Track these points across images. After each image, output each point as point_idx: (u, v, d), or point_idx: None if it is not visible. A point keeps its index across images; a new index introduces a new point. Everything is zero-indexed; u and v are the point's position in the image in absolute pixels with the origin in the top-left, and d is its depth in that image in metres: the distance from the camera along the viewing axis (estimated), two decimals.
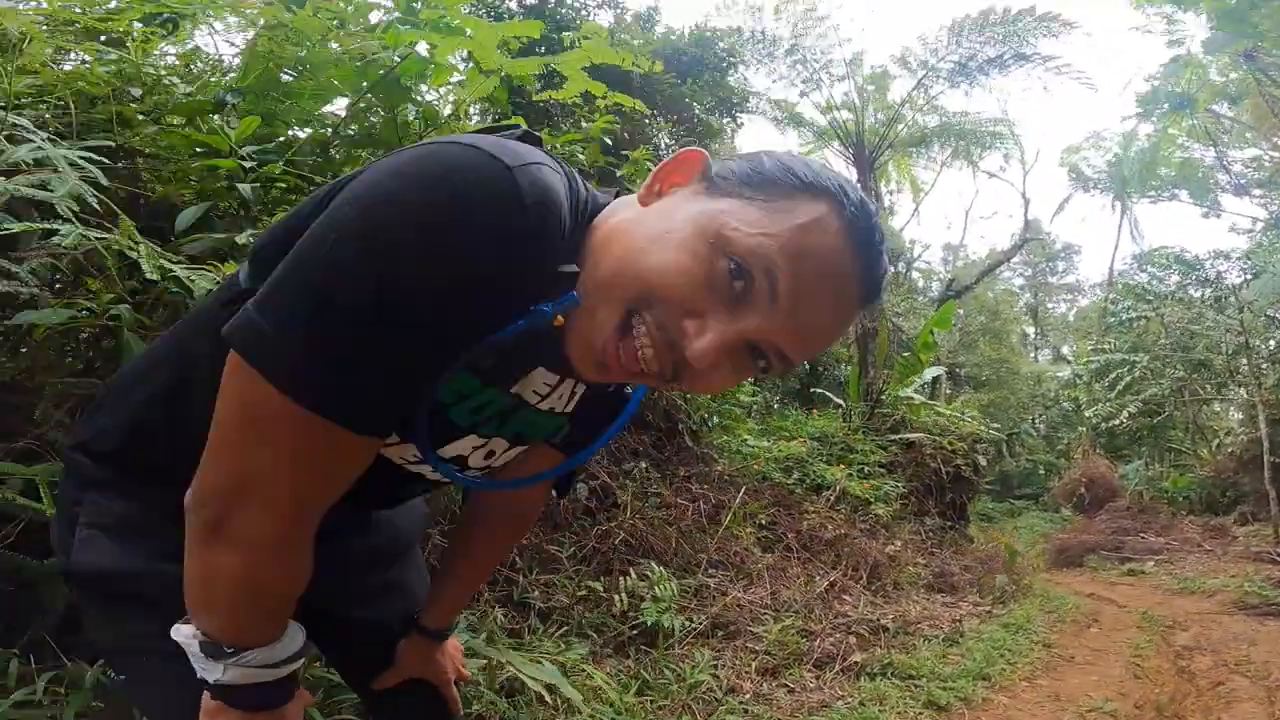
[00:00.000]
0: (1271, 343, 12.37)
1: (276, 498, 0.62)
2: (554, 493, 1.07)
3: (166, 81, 1.79)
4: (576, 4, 8.02)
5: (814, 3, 10.17)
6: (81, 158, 1.42)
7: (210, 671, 0.69)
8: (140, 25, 1.82)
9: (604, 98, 2.35)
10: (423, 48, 2.03)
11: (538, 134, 0.74)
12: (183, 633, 0.69)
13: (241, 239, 1.60)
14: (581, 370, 0.68)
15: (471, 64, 2.24)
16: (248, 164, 1.73)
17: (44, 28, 1.75)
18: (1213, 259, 12.27)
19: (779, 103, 11.35)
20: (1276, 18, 8.89)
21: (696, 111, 7.64)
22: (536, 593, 2.90)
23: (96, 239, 1.32)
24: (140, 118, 1.82)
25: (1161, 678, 3.95)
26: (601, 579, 3.20)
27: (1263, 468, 9.77)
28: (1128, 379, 13.31)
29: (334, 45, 1.93)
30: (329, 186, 0.67)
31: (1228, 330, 11.64)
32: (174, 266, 1.41)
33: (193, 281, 1.42)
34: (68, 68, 1.80)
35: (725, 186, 0.65)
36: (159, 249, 1.48)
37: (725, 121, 8.23)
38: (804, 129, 11.83)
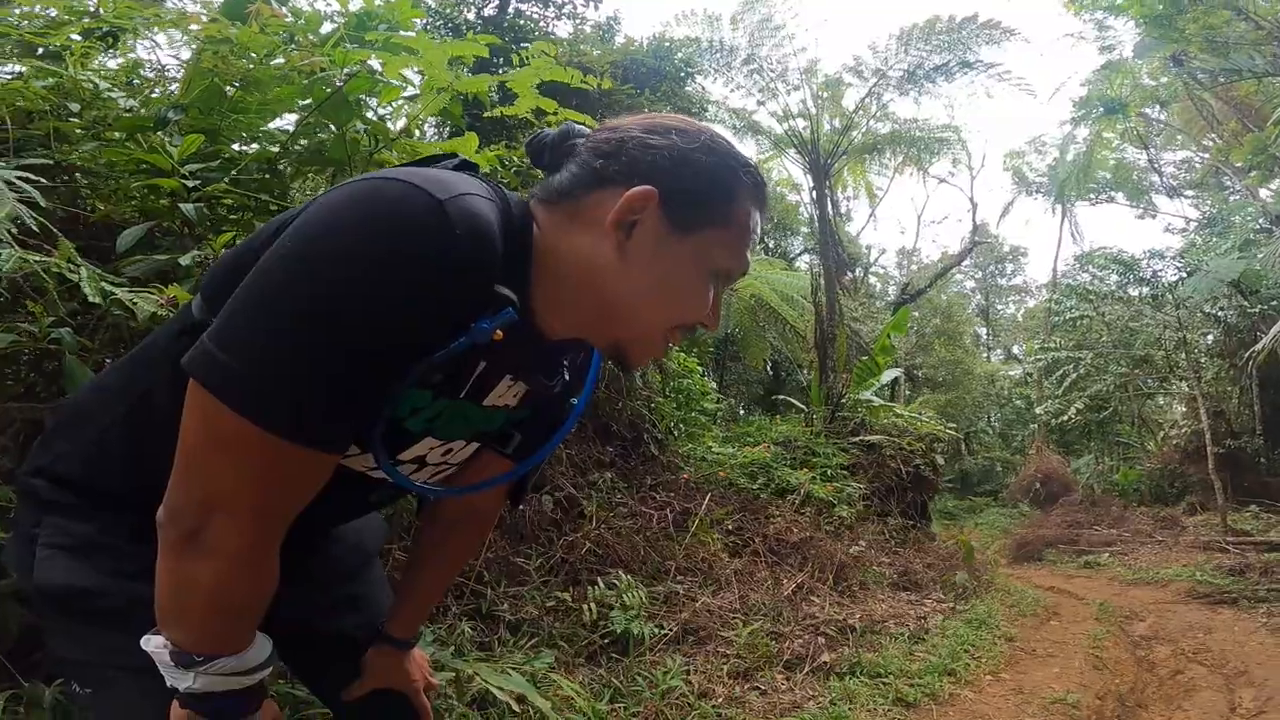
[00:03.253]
0: (1209, 338, 12.94)
1: (243, 512, 0.66)
2: (510, 503, 1.09)
3: (106, 96, 1.74)
4: (535, 15, 8.04)
5: (769, 13, 10.34)
6: (19, 177, 1.38)
7: (180, 679, 0.71)
8: (78, 39, 1.77)
9: (554, 113, 2.37)
10: (375, 62, 2.02)
11: (474, 162, 0.82)
12: (153, 643, 0.71)
13: (185, 260, 1.56)
14: (637, 366, 0.83)
15: (424, 79, 2.24)
16: (190, 183, 1.68)
17: None
18: (1149, 258, 12.81)
19: (737, 111, 11.52)
20: (1201, 22, 9.30)
21: None
22: (505, 605, 2.88)
23: (36, 262, 1.27)
24: (79, 133, 1.77)
25: (1121, 668, 4.06)
26: (570, 589, 3.19)
27: (1206, 458, 10.20)
28: (1073, 376, 13.78)
29: (280, 60, 1.90)
30: (276, 221, 0.72)
31: (1166, 327, 12.15)
32: (116, 289, 1.37)
33: (135, 304, 1.38)
34: (4, 72, 1.74)
35: (685, 217, 0.75)
36: (100, 271, 1.44)
37: None
38: (761, 137, 12.02)
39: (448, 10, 7.64)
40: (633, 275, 0.74)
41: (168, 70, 2.06)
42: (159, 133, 1.71)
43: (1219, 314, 11.94)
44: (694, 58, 9.61)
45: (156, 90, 1.98)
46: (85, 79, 1.71)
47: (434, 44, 1.85)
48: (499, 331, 0.69)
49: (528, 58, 2.18)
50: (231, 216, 1.83)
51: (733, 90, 11.21)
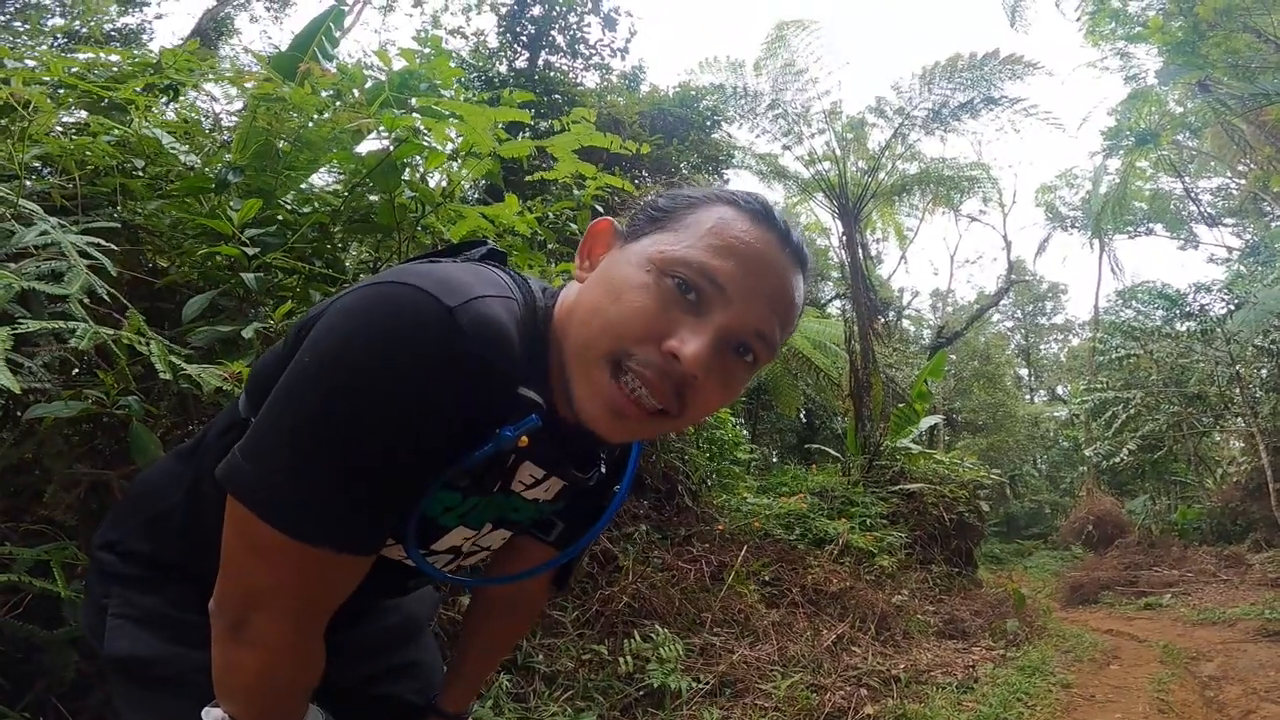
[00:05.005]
0: (1263, 371, 12.42)
1: (283, 609, 0.70)
2: (555, 586, 1.12)
3: (169, 150, 1.80)
4: (564, 67, 8.29)
5: (792, 57, 10.44)
6: (89, 243, 1.45)
7: None
8: (140, 92, 1.85)
9: (594, 178, 2.42)
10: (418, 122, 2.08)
11: (501, 250, 0.83)
12: (213, 715, 0.75)
13: (248, 333, 1.61)
14: (607, 433, 0.71)
15: (463, 138, 2.32)
16: (250, 250, 1.74)
17: (48, 94, 1.77)
18: (1194, 292, 12.43)
19: (763, 157, 11.61)
20: (1223, 47, 9.15)
21: (683, 170, 7.84)
22: (541, 657, 2.87)
23: (108, 335, 1.34)
24: (143, 190, 1.84)
25: (1189, 710, 3.84)
26: (605, 642, 3.16)
27: (1269, 495, 9.71)
28: (1124, 416, 13.30)
29: (327, 115, 1.96)
30: (298, 324, 0.74)
31: (1218, 362, 11.72)
32: (185, 364, 1.43)
33: (201, 378, 1.43)
34: (68, 120, 1.81)
35: (637, 232, 0.75)
36: (168, 343, 1.50)
37: (711, 178, 8.42)
38: (788, 181, 12.08)
39: (480, 64, 7.94)
40: (585, 289, 0.74)
41: (221, 120, 2.15)
42: (219, 195, 1.79)
43: (1271, 347, 11.49)
44: (719, 105, 9.71)
45: (214, 135, 2.05)
46: (148, 132, 1.79)
47: (478, 110, 1.92)
48: (524, 438, 0.70)
49: (568, 124, 2.25)
50: (286, 281, 1.91)
51: (758, 135, 11.30)
